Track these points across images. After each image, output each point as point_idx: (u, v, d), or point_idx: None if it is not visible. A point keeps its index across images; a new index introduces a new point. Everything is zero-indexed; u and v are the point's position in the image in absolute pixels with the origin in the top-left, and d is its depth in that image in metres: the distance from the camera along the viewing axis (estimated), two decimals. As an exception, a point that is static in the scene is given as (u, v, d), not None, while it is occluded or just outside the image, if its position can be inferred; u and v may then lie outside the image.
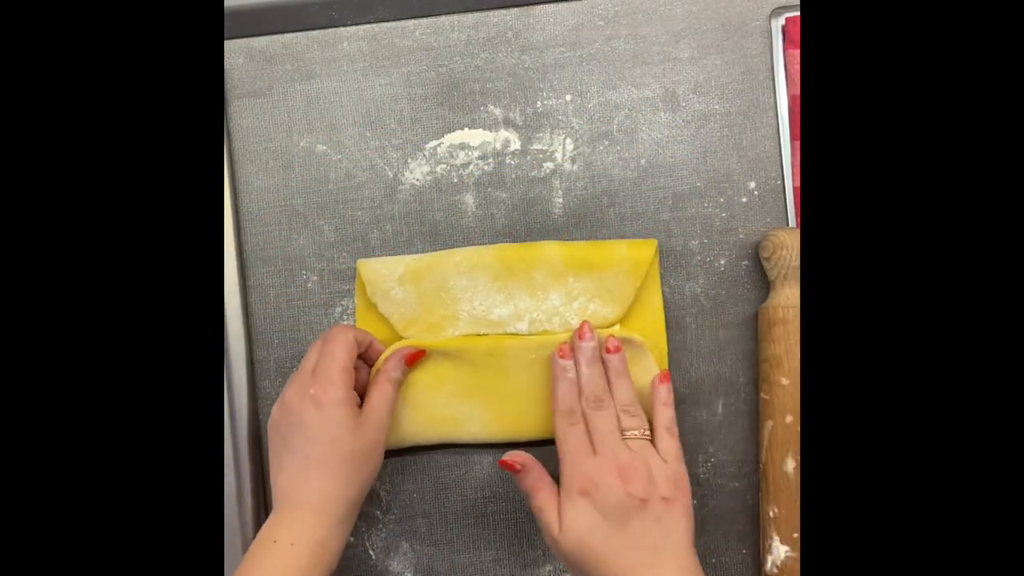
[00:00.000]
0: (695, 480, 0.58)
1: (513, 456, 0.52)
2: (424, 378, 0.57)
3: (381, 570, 0.58)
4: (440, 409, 0.57)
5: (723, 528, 0.58)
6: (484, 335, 0.56)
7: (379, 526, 0.59)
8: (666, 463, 0.51)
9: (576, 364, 0.54)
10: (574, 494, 0.49)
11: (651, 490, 0.49)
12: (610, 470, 0.49)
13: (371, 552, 0.58)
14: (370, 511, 0.59)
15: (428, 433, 0.57)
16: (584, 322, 0.55)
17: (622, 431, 0.52)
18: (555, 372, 0.54)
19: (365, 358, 0.56)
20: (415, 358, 0.56)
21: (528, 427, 0.57)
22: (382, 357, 0.55)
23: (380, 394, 0.53)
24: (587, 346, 0.54)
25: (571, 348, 0.54)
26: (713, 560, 0.58)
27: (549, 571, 0.58)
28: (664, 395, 0.54)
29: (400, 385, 0.55)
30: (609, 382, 0.54)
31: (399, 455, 0.59)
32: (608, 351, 0.54)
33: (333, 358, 0.52)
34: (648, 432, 0.52)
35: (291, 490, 0.50)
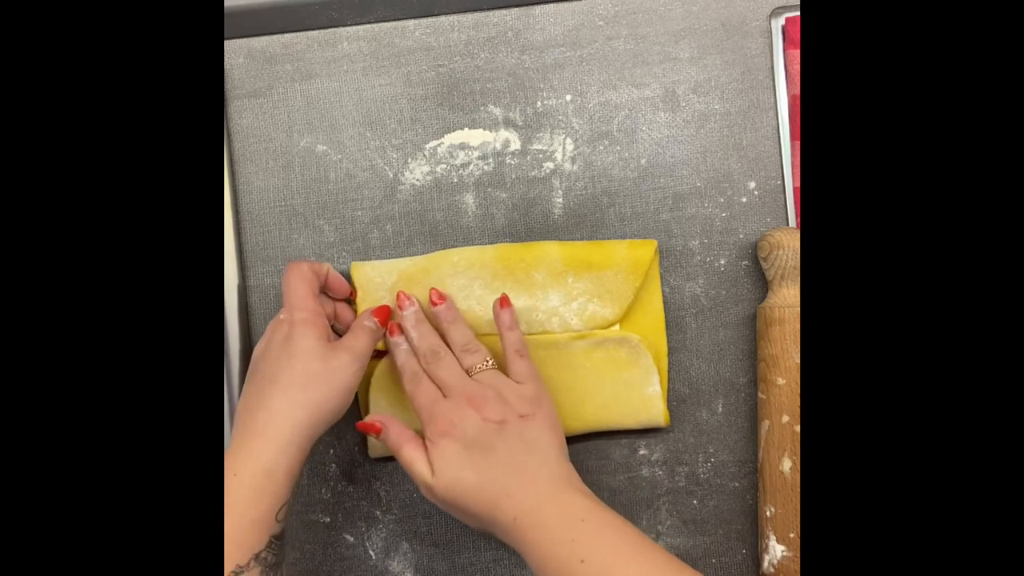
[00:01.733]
0: (695, 480, 0.58)
1: (371, 418, 0.52)
2: None
3: (381, 570, 0.58)
4: None
5: (723, 528, 0.58)
6: (483, 336, 0.56)
7: (379, 526, 0.59)
8: (519, 384, 0.52)
9: (405, 333, 0.55)
10: (436, 438, 0.50)
11: (506, 411, 0.50)
12: (462, 405, 0.50)
13: (371, 552, 0.58)
14: (370, 511, 0.59)
15: None
16: (399, 292, 0.56)
17: (466, 371, 0.53)
18: (392, 351, 0.55)
19: (327, 289, 0.56)
20: (385, 312, 0.56)
21: None
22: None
23: (354, 336, 0.53)
24: (407, 313, 0.55)
25: (396, 325, 0.55)
26: (713, 560, 0.58)
27: (549, 571, 0.58)
28: (507, 319, 0.55)
29: (377, 336, 0.54)
30: (442, 331, 0.55)
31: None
32: (432, 303, 0.56)
33: (293, 288, 0.53)
34: (491, 361, 0.53)
35: (244, 415, 0.50)
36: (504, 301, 0.55)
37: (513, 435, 0.49)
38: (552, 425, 0.51)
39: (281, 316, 0.52)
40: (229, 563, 0.45)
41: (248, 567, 0.46)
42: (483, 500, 0.48)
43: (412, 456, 0.50)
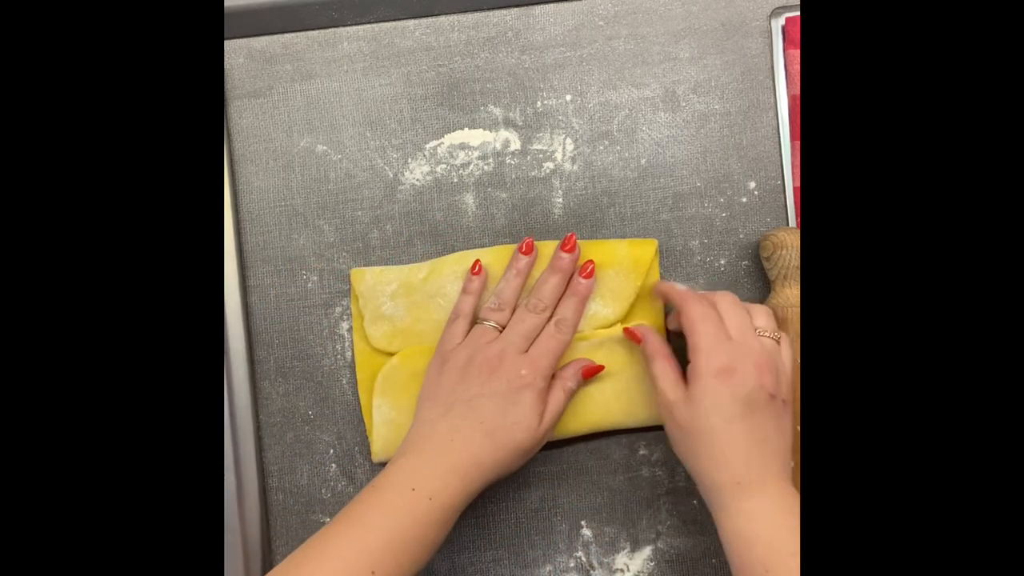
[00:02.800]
0: (695, 480, 0.58)
1: (635, 327, 0.54)
2: None
3: (381, 570, 0.58)
4: None
5: (723, 528, 0.58)
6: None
7: (379, 526, 0.58)
8: (789, 372, 0.51)
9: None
10: (709, 374, 0.49)
11: (778, 389, 0.50)
12: (748, 359, 0.50)
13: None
14: (370, 511, 0.59)
15: None
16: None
17: (754, 328, 0.52)
18: (684, 308, 0.52)
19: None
20: (592, 372, 0.55)
21: None
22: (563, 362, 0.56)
23: (555, 400, 0.53)
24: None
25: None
26: (713, 560, 0.58)
27: (549, 571, 0.58)
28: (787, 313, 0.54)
29: (572, 395, 0.55)
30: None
31: (399, 455, 0.59)
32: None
33: (553, 352, 0.53)
34: (779, 336, 0.52)
35: (446, 442, 0.50)
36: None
37: (772, 414, 0.49)
38: (797, 422, 0.51)
39: (523, 371, 0.52)
40: None
41: None
42: (717, 456, 0.48)
43: (662, 372, 0.52)
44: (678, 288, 0.54)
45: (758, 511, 0.47)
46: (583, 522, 0.58)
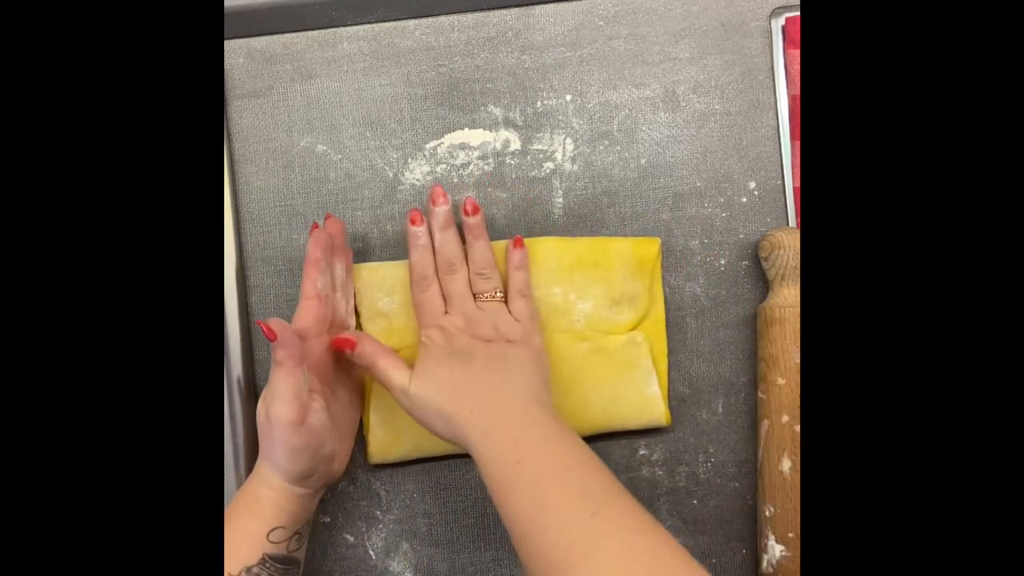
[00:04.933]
0: (695, 480, 0.58)
1: (345, 335, 0.53)
2: None
3: (381, 570, 0.58)
4: None
5: (723, 528, 0.58)
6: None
7: (379, 526, 0.59)
8: (517, 322, 0.53)
9: (429, 230, 0.55)
10: (426, 343, 0.52)
11: (498, 334, 0.52)
12: (458, 325, 0.53)
13: (371, 552, 0.58)
14: (370, 511, 0.59)
15: (430, 447, 0.57)
16: (437, 186, 0.56)
17: (475, 295, 0.54)
18: (409, 240, 0.55)
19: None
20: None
21: None
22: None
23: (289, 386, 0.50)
24: (440, 211, 0.55)
25: (419, 215, 0.56)
26: (713, 560, 0.58)
27: (549, 571, 0.58)
28: (517, 259, 0.55)
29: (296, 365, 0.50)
30: (467, 244, 0.55)
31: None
32: (465, 212, 0.55)
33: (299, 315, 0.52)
34: (501, 294, 0.54)
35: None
36: (518, 242, 0.56)
37: (496, 354, 0.51)
38: (536, 358, 0.52)
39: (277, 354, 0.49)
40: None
41: None
42: (451, 398, 0.49)
43: (387, 365, 0.52)
44: (412, 251, 0.55)
45: (492, 431, 0.47)
46: (583, 522, 0.58)
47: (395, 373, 0.51)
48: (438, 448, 0.57)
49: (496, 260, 0.56)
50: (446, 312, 0.54)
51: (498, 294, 0.54)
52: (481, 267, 0.55)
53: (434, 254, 0.55)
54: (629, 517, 0.42)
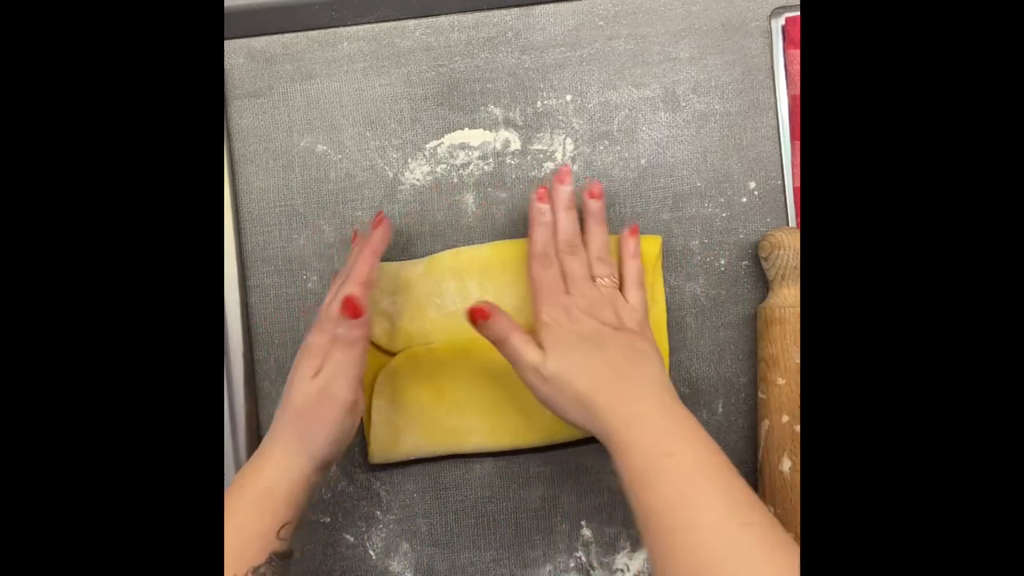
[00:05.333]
0: (695, 480, 0.58)
1: (480, 303, 0.51)
2: (424, 394, 0.57)
3: (381, 570, 0.58)
4: (442, 422, 0.57)
5: (723, 528, 0.58)
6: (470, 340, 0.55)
7: (379, 526, 0.59)
8: (635, 310, 0.53)
9: (553, 208, 0.55)
10: (553, 322, 0.51)
11: (621, 322, 0.52)
12: (581, 307, 0.51)
13: (371, 552, 0.58)
14: (370, 511, 0.59)
15: (431, 447, 0.57)
16: (564, 165, 0.56)
17: (593, 277, 0.53)
18: (532, 216, 0.55)
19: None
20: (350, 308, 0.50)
21: (531, 433, 0.57)
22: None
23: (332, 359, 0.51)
24: (565, 190, 0.55)
25: (548, 191, 0.55)
26: (713, 560, 0.58)
27: (549, 571, 0.58)
28: (632, 248, 0.55)
29: (356, 339, 0.50)
30: (586, 227, 0.55)
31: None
32: (590, 195, 0.55)
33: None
34: (617, 280, 0.54)
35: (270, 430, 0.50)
36: (634, 230, 0.56)
37: (625, 342, 0.50)
38: (656, 349, 0.52)
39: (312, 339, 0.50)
40: (227, 572, 0.45)
41: None
42: (591, 384, 0.48)
43: (520, 341, 0.51)
44: (534, 227, 0.55)
45: (643, 432, 0.46)
46: (583, 522, 0.58)
47: (529, 350, 0.50)
48: (439, 448, 0.57)
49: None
50: (567, 292, 0.53)
51: (614, 280, 0.54)
52: (600, 251, 0.54)
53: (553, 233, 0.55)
54: (774, 533, 0.42)
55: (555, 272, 0.53)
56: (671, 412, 0.48)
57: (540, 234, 0.55)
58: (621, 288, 0.54)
